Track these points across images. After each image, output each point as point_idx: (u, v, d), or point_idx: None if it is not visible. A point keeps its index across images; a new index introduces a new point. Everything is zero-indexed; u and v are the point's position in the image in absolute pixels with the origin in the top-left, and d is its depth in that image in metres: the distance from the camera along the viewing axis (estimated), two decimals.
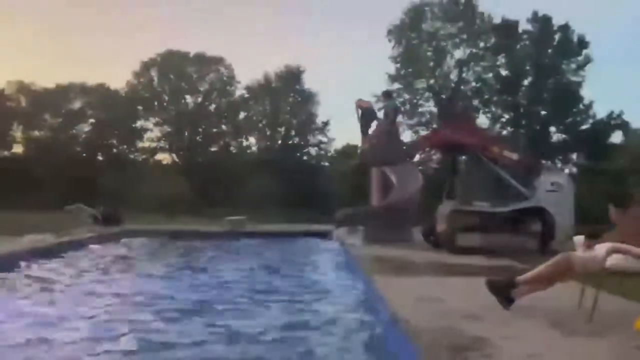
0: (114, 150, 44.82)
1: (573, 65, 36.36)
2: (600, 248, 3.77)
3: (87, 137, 44.10)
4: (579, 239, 4.03)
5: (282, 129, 44.99)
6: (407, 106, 38.87)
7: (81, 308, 4.85)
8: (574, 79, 36.41)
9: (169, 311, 4.81)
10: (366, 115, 10.92)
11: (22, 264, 7.21)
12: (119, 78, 61.17)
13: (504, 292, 4.01)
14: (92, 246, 9.68)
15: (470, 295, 4.50)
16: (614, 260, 3.65)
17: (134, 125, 44.44)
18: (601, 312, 3.69)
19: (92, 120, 44.30)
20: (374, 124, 11.13)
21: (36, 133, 43.24)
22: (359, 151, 12.33)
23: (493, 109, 38.52)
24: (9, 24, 53.80)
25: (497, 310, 3.95)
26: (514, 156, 8.73)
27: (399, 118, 34.33)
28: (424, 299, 4.43)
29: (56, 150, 41.09)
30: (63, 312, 4.70)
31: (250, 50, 56.19)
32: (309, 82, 45.42)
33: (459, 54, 38.89)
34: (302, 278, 7.01)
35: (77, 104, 44.12)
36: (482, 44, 38.36)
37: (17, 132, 43.16)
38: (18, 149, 43.23)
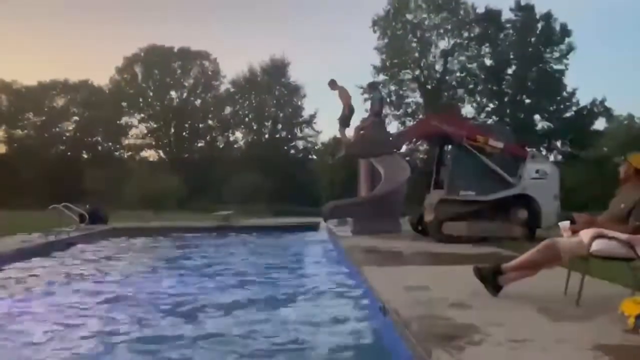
0: (99, 147, 44.40)
1: (556, 54, 36.63)
2: (586, 233, 3.81)
3: (71, 135, 43.62)
4: (565, 224, 4.06)
5: (269, 123, 44.86)
6: (393, 97, 38.95)
7: (63, 310, 4.80)
8: (557, 67, 36.71)
9: (162, 311, 4.79)
10: (349, 109, 10.92)
11: (8, 264, 7.14)
12: (102, 74, 60.59)
13: (491, 279, 4.04)
14: (79, 245, 9.60)
15: (458, 283, 4.53)
16: (599, 246, 3.69)
17: (118, 122, 44.01)
18: (587, 297, 3.74)
19: (76, 118, 43.80)
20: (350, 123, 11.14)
21: (19, 132, 42.65)
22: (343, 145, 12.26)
23: (478, 98, 38.74)
24: None
25: (485, 297, 3.99)
26: (500, 145, 8.77)
27: (385, 109, 34.53)
28: (412, 287, 4.45)
29: (40, 149, 40.59)
30: (48, 314, 4.66)
31: (235, 43, 55.96)
32: (295, 74, 45.42)
33: (443, 44, 39.05)
34: (292, 271, 7.01)
35: (60, 102, 43.58)
36: (466, 34, 38.48)
37: (0, 132, 42.55)
38: (1, 148, 42.65)
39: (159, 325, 4.24)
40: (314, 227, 12.44)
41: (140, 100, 44.64)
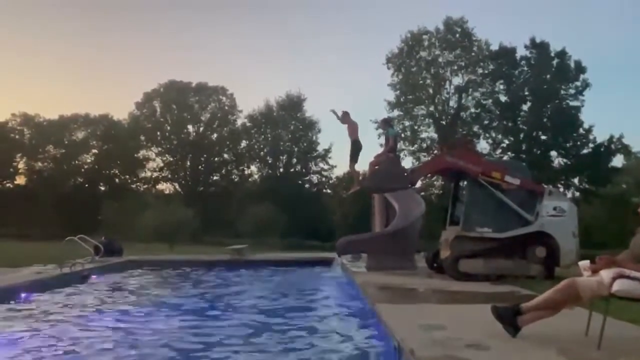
0: (116, 180, 44.99)
1: (572, 90, 36.68)
2: (606, 273, 3.72)
3: (90, 167, 44.32)
4: (585, 263, 3.97)
5: (284, 157, 45.19)
6: (408, 132, 39.11)
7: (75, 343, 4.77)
8: (573, 103, 36.69)
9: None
10: (356, 145, 10.88)
11: (22, 296, 7.15)
12: (122, 109, 61.94)
13: (510, 319, 3.94)
14: (94, 277, 9.61)
15: (475, 323, 4.43)
16: (621, 286, 3.59)
17: (136, 155, 44.69)
18: (609, 339, 3.62)
19: (95, 150, 44.59)
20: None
21: (39, 164, 43.45)
22: (361, 177, 12.25)
23: (493, 134, 38.73)
24: (15, 57, 54.76)
25: (504, 337, 3.88)
26: (516, 181, 8.69)
27: (400, 145, 34.63)
28: (427, 326, 4.36)
29: (59, 181, 41.25)
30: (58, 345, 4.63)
31: (252, 78, 57.08)
32: (310, 109, 45.99)
33: (457, 80, 39.40)
34: (304, 307, 6.91)
35: (80, 135, 44.47)
36: (480, 71, 38.78)
37: (21, 164, 43.40)
38: (21, 180, 43.41)
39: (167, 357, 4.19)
40: (327, 262, 12.33)
41: (158, 134, 45.38)
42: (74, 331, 5.24)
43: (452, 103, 39.51)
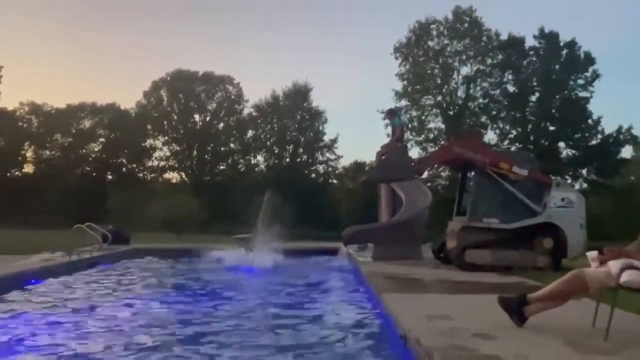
0: (123, 169, 45.11)
1: (581, 81, 36.32)
2: (614, 264, 3.70)
3: (97, 156, 44.46)
4: (592, 254, 3.95)
5: (290, 147, 45.13)
6: (415, 123, 38.93)
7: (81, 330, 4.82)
8: (582, 94, 36.35)
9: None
10: None
11: (31, 282, 7.22)
12: (129, 98, 62.03)
13: (516, 309, 3.94)
14: (101, 265, 9.69)
15: (481, 313, 4.43)
16: (629, 277, 3.57)
17: (143, 144, 44.76)
18: (617, 330, 3.60)
19: (102, 139, 44.70)
20: None
21: (47, 153, 43.62)
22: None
23: (501, 125, 38.48)
24: (22, 45, 54.89)
25: (510, 328, 3.88)
26: (524, 172, 8.64)
27: (407, 135, 34.49)
28: (434, 316, 4.36)
29: (66, 169, 41.43)
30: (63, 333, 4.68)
31: (259, 68, 56.93)
32: (317, 99, 45.79)
33: (465, 70, 39.08)
34: (310, 300, 6.93)
35: (87, 124, 44.57)
36: (489, 61, 38.44)
37: (29, 152, 43.58)
38: (29, 168, 43.61)
39: (175, 345, 4.22)
40: (333, 252, 12.35)
41: (165, 123, 45.38)
42: (80, 316, 5.29)
43: (460, 93, 39.27)
